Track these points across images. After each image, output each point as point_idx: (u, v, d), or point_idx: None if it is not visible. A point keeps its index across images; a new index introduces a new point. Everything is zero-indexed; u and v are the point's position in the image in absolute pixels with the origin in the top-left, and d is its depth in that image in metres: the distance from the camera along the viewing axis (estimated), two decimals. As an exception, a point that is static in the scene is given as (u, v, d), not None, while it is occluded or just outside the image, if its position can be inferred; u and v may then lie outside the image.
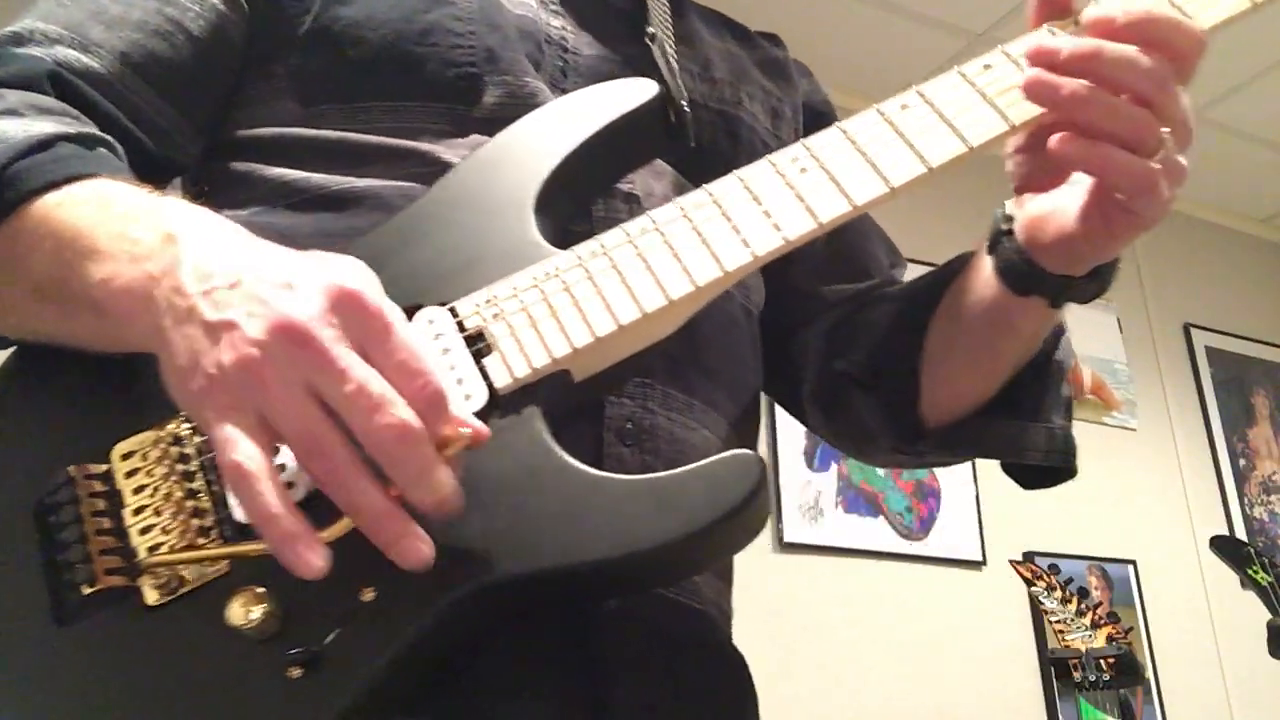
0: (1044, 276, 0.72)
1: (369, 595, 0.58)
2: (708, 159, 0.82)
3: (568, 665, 0.67)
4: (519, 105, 0.77)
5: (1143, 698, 3.23)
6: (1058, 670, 2.58)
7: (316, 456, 0.53)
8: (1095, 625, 2.33)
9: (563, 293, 0.66)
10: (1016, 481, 0.86)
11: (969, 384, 0.81)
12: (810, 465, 2.98)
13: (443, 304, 0.66)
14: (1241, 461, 3.90)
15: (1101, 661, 2.28)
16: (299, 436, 0.53)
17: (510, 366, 0.64)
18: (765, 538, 2.85)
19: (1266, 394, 4.10)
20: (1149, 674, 3.26)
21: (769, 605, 2.78)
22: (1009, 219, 0.74)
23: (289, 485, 0.56)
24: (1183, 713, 3.30)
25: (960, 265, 0.82)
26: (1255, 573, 2.44)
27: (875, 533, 3.02)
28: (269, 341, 0.53)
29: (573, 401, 0.66)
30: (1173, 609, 3.46)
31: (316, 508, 0.54)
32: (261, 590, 0.57)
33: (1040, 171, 0.70)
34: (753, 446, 0.88)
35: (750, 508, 0.60)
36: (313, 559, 0.52)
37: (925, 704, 2.92)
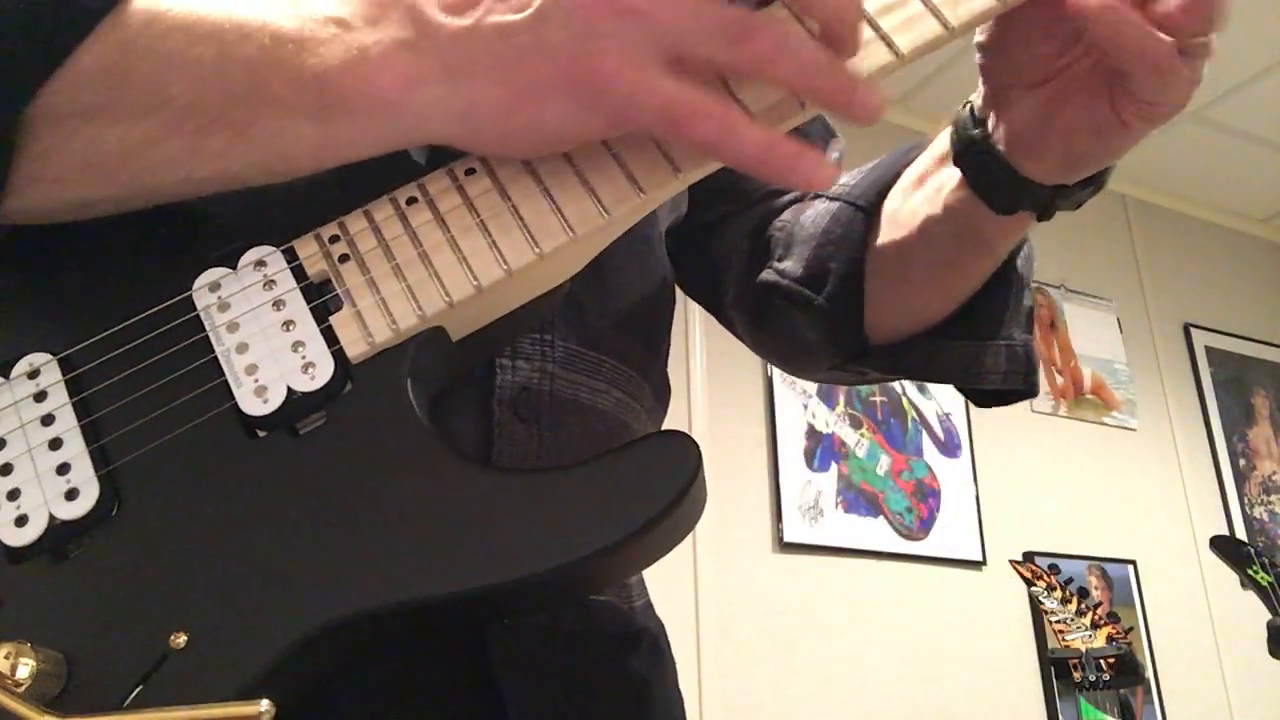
0: (1033, 189, 0.61)
1: (180, 641, 0.45)
2: None
3: (459, 674, 0.57)
4: None
5: (1143, 698, 3.23)
6: (1058, 670, 2.58)
7: (749, 37, 0.47)
8: (1095, 625, 2.33)
9: (434, 225, 0.51)
10: (971, 400, 0.76)
11: (926, 302, 0.70)
12: (810, 465, 2.97)
13: (278, 244, 0.52)
14: (1241, 461, 3.90)
15: (1101, 661, 2.28)
16: (716, 32, 0.47)
17: (367, 327, 0.50)
18: (765, 538, 2.85)
19: (1266, 394, 4.10)
20: (1149, 674, 3.26)
21: (769, 605, 2.78)
22: (980, 122, 0.62)
23: (21, 521, 0.47)
24: (1183, 713, 3.30)
25: (906, 160, 0.71)
26: (1255, 573, 2.44)
27: (875, 533, 3.02)
28: None
29: (451, 367, 0.53)
30: (1173, 609, 3.46)
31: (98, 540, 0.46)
32: (25, 644, 0.44)
33: (1028, 59, 0.59)
34: (666, 395, 0.77)
35: (675, 515, 0.47)
36: (828, 169, 0.48)
37: (925, 704, 2.92)
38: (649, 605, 0.72)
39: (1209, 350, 4.01)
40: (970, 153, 0.62)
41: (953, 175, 0.64)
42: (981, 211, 0.63)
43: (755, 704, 2.68)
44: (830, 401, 3.06)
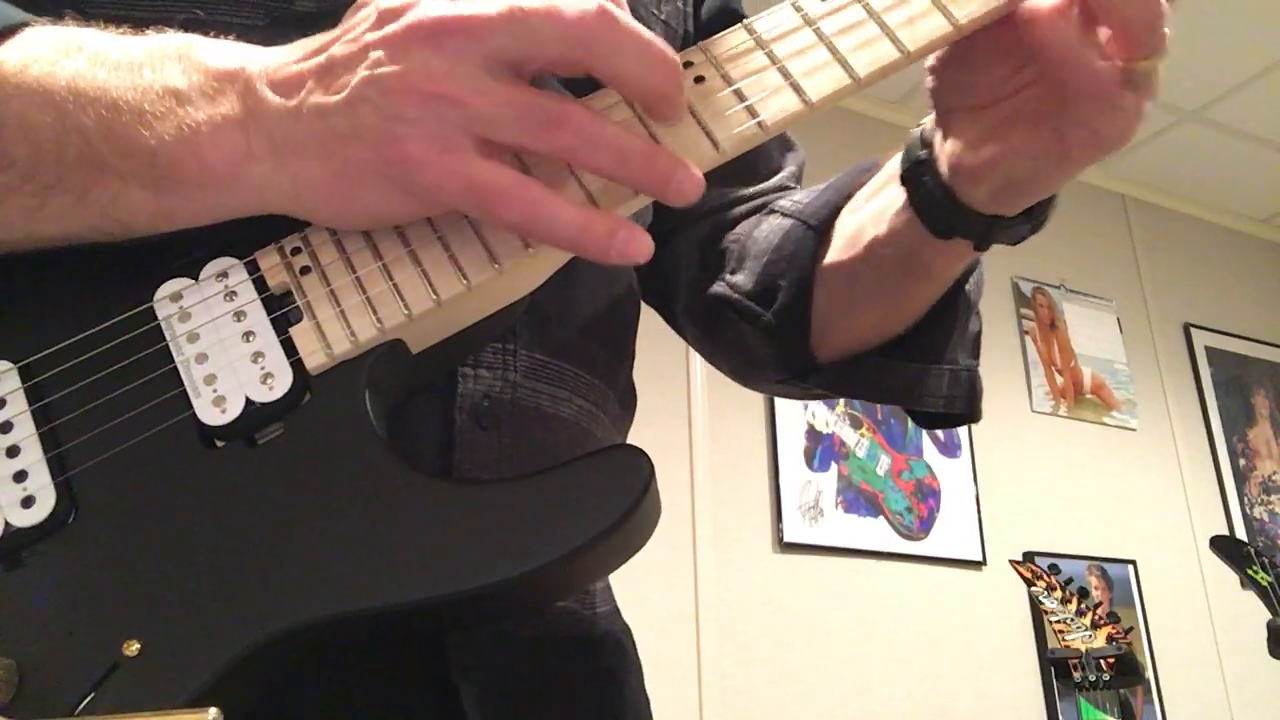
0: (970, 215, 0.61)
1: (133, 649, 0.45)
2: None
3: (418, 679, 0.58)
4: None
5: (1143, 698, 3.23)
6: (1058, 670, 2.58)
7: (555, 127, 0.47)
8: (1095, 625, 2.33)
9: (395, 239, 0.52)
10: (914, 421, 0.77)
11: (871, 322, 0.71)
12: (810, 465, 2.98)
13: (241, 255, 0.53)
14: (1241, 461, 3.90)
15: (1101, 661, 2.28)
16: (523, 120, 0.47)
17: (326, 339, 0.50)
18: (765, 538, 2.85)
19: (1266, 394, 4.10)
20: (1149, 674, 3.26)
21: (769, 605, 2.78)
22: (927, 145, 0.62)
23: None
24: (1183, 713, 3.30)
25: (859, 181, 0.71)
26: (1255, 573, 2.44)
27: (875, 533, 3.02)
28: (412, 45, 0.46)
29: (410, 379, 0.54)
30: (1173, 609, 3.46)
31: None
32: None
33: (974, 84, 0.59)
34: (632, 403, 0.77)
35: (626, 529, 0.47)
36: (645, 240, 0.48)
37: (925, 704, 2.92)
38: (614, 611, 0.72)
39: (1209, 350, 4.01)
40: (914, 174, 0.63)
41: (899, 196, 0.64)
42: (922, 235, 0.63)
43: (755, 704, 2.68)
44: (830, 401, 3.06)
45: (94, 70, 0.50)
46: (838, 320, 0.72)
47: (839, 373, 0.73)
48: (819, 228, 0.72)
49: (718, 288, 0.77)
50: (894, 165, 0.66)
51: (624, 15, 0.48)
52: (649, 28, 0.73)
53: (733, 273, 0.77)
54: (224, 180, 0.49)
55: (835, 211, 0.72)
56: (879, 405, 3.17)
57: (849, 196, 0.72)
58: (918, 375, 0.71)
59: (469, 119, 0.47)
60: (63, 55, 0.50)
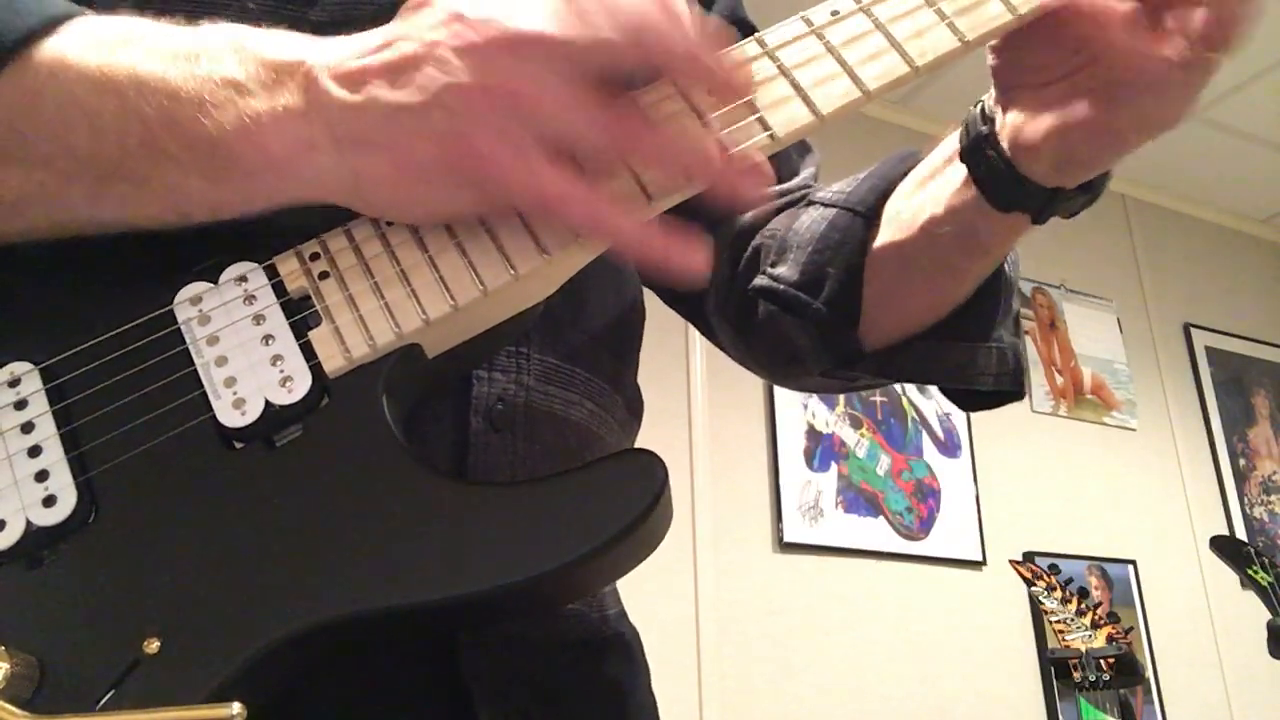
0: (1032, 188, 0.62)
1: (153, 646, 0.46)
2: None
3: (431, 681, 0.58)
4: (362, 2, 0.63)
5: (1143, 698, 3.23)
6: (1058, 670, 2.58)
7: (616, 129, 0.49)
8: (1095, 625, 2.33)
9: (412, 245, 0.53)
10: (957, 405, 0.78)
11: (922, 305, 0.72)
12: (810, 465, 2.98)
13: (260, 260, 0.54)
14: (1241, 461, 3.91)
15: (1101, 661, 2.28)
16: (592, 129, 0.49)
17: (345, 343, 0.51)
18: (765, 538, 2.85)
19: (1266, 394, 4.10)
20: (1149, 674, 3.26)
21: (769, 605, 2.78)
22: (989, 120, 0.64)
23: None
24: (1183, 713, 3.30)
25: (905, 168, 0.73)
26: (1255, 573, 2.44)
27: (875, 533, 3.02)
28: (493, 55, 0.48)
29: (426, 382, 0.55)
30: (1173, 609, 3.46)
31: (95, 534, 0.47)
32: (0, 648, 0.45)
33: (1035, 64, 0.61)
34: (639, 408, 0.78)
35: (641, 531, 0.48)
36: (701, 255, 0.49)
37: (925, 704, 2.92)
38: (621, 614, 0.72)
39: (1209, 350, 4.01)
40: (976, 148, 0.64)
41: (958, 173, 0.66)
42: (982, 210, 0.64)
43: (755, 704, 2.68)
44: (830, 402, 3.06)
45: (152, 60, 0.50)
46: (889, 304, 0.72)
47: (886, 358, 0.74)
48: (868, 214, 0.73)
49: (760, 280, 0.77)
50: (948, 148, 0.68)
51: (691, 30, 0.49)
52: None
53: (774, 265, 0.77)
54: (284, 170, 0.50)
55: (884, 197, 0.73)
56: (880, 406, 3.18)
57: (894, 182, 0.73)
58: (969, 354, 0.71)
59: (540, 121, 0.48)
60: (121, 45, 0.50)
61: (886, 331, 0.73)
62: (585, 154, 0.51)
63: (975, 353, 0.71)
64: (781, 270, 0.76)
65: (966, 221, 0.66)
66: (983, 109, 0.65)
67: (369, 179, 0.50)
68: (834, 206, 0.75)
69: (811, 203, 0.78)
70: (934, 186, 0.69)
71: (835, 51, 0.56)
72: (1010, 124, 0.62)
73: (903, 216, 0.71)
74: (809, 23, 0.57)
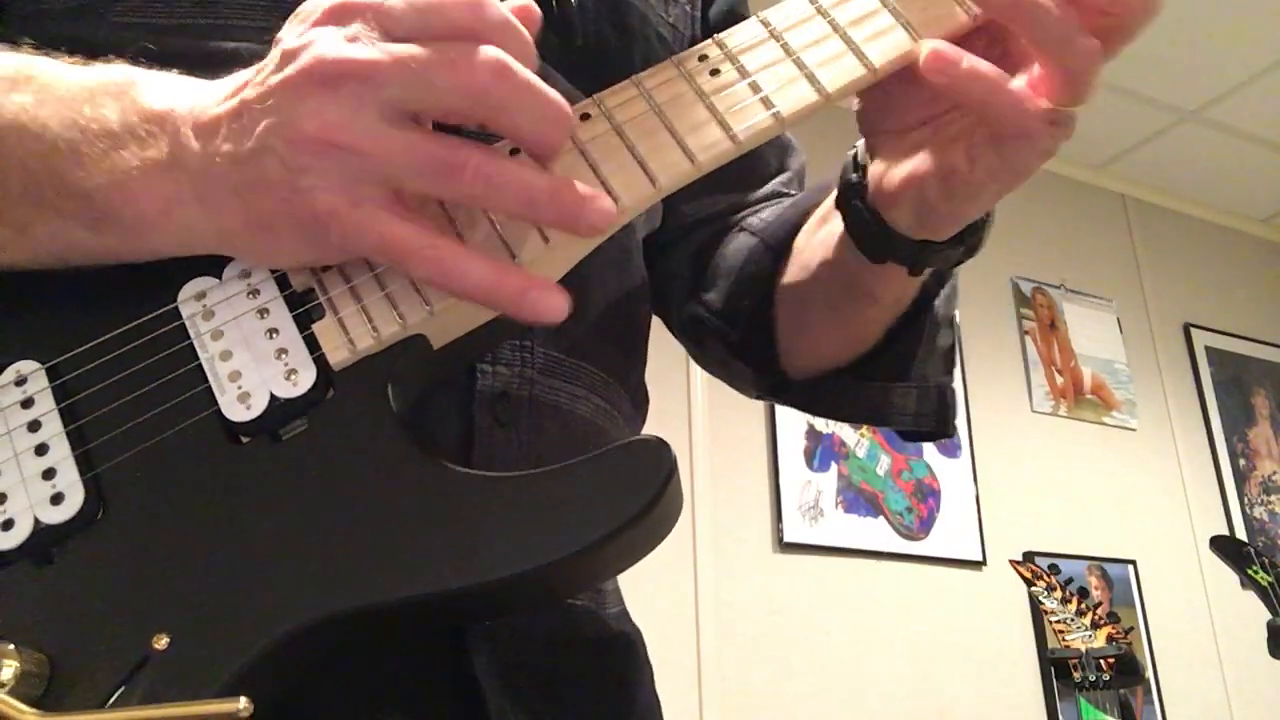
0: (899, 240, 0.60)
1: (162, 642, 0.46)
2: (594, 56, 0.69)
3: (441, 676, 0.58)
4: None
5: (1143, 698, 3.23)
6: (1058, 670, 2.58)
7: (454, 174, 0.46)
8: (1095, 625, 2.34)
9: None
10: (898, 434, 0.76)
11: (830, 343, 0.70)
12: (810, 465, 2.98)
13: None
14: (1241, 461, 3.91)
15: (1101, 661, 2.28)
16: (421, 169, 0.46)
17: (349, 335, 0.51)
18: (765, 538, 2.85)
19: (1266, 394, 4.10)
20: (1149, 674, 3.26)
21: (769, 605, 2.78)
22: (860, 168, 0.61)
23: (7, 525, 0.48)
24: (1183, 713, 3.30)
25: (819, 199, 0.70)
26: (1255, 573, 2.45)
27: (875, 533, 3.02)
28: (307, 91, 0.45)
29: (431, 373, 0.54)
30: (1173, 609, 3.46)
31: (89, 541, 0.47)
32: (8, 645, 0.45)
33: (894, 111, 0.58)
34: (644, 404, 0.77)
35: (650, 519, 0.48)
36: (557, 299, 0.47)
37: (925, 704, 2.92)
38: (624, 613, 0.72)
39: (1209, 350, 4.01)
40: (847, 198, 0.62)
41: (839, 220, 0.64)
42: (860, 260, 0.62)
43: (755, 704, 2.69)
44: (830, 401, 3.06)
45: (39, 105, 0.50)
46: (800, 339, 0.72)
47: (810, 392, 0.73)
48: (777, 248, 0.72)
49: (692, 307, 0.78)
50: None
51: (520, 71, 0.47)
52: (655, 31, 0.75)
53: (706, 291, 0.77)
54: (155, 224, 0.50)
55: (794, 230, 0.72)
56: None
57: (808, 214, 0.72)
58: (882, 394, 0.71)
59: (370, 169, 0.46)
60: (11, 87, 0.51)
61: (803, 366, 0.73)
62: (430, 198, 0.50)
63: (890, 393, 0.70)
64: (710, 297, 0.76)
65: (849, 270, 0.64)
66: (855, 155, 0.62)
67: (229, 232, 0.49)
68: (755, 235, 0.75)
69: (743, 229, 0.77)
70: (824, 230, 0.67)
71: (840, 30, 0.55)
72: (874, 172, 0.60)
73: (802, 256, 0.70)
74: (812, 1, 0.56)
